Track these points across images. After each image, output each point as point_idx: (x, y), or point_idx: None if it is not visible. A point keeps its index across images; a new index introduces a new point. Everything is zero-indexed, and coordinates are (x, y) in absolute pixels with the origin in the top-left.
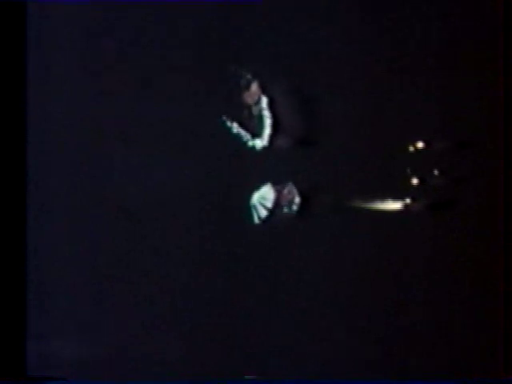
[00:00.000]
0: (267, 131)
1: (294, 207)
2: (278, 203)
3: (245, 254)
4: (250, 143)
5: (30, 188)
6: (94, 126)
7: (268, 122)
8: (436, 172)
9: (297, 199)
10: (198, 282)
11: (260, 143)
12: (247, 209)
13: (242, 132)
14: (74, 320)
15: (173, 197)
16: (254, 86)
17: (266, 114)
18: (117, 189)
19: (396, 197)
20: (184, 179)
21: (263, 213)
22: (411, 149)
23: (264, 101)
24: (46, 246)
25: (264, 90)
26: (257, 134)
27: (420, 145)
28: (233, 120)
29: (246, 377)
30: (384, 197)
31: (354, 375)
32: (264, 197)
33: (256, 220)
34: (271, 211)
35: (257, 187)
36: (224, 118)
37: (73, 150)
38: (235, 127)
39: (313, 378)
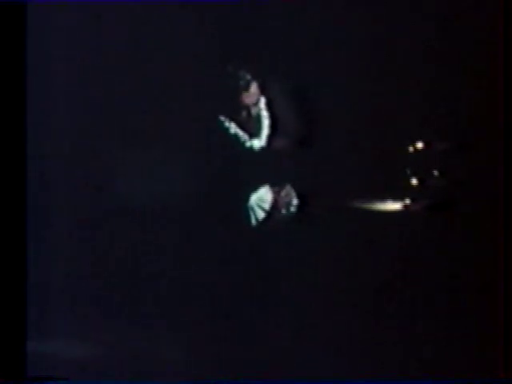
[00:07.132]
0: (265, 132)
1: (292, 209)
2: (275, 205)
3: (242, 257)
4: (248, 144)
5: (29, 188)
6: (93, 126)
7: (266, 122)
8: (436, 173)
9: (295, 201)
10: (195, 284)
11: (258, 144)
12: (245, 210)
13: (240, 132)
14: (74, 320)
15: (170, 198)
16: (254, 87)
17: (265, 114)
18: (115, 189)
19: (396, 198)
20: (181, 180)
21: (261, 215)
22: (411, 149)
23: (263, 101)
24: (47, 246)
25: (263, 90)
26: (255, 134)
27: (420, 145)
28: (231, 120)
29: None
30: (383, 198)
31: (354, 375)
32: (262, 198)
33: (253, 222)
34: (269, 213)
35: (254, 189)
36: (222, 118)
37: (72, 150)
38: (233, 127)
39: (313, 378)
